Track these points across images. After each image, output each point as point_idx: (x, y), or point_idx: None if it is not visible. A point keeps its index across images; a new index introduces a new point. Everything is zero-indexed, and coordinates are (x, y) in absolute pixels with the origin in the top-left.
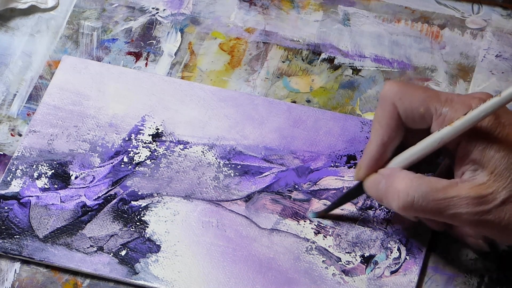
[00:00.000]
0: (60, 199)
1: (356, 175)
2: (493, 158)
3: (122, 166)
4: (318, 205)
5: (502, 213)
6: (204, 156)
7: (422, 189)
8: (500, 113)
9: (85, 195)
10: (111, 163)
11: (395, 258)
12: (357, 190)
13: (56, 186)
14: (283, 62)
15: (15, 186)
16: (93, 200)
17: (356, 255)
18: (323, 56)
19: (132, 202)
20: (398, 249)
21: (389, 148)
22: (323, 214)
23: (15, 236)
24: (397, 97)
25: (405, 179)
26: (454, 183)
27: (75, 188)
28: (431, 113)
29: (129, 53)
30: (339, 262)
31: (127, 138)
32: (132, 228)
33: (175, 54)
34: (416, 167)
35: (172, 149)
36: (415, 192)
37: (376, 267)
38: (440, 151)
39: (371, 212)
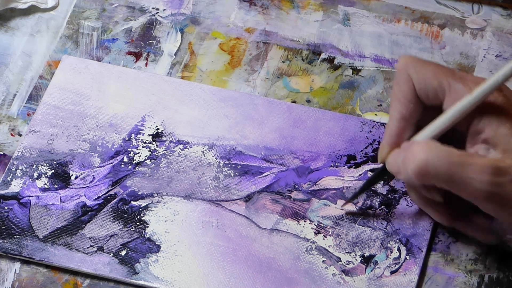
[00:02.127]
0: (60, 199)
1: (380, 156)
2: (506, 136)
3: (122, 166)
4: (317, 205)
5: None
6: (204, 156)
7: (439, 151)
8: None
9: (85, 195)
10: (111, 163)
11: (395, 258)
12: (382, 173)
13: (56, 186)
14: (283, 62)
15: (15, 186)
16: (93, 200)
17: (356, 255)
18: (323, 56)
19: (132, 202)
20: (398, 249)
21: (409, 123)
22: (351, 201)
23: (15, 236)
24: (412, 69)
25: (422, 143)
26: (470, 153)
27: (75, 188)
28: (444, 88)
29: (129, 53)
30: (339, 262)
31: (127, 138)
32: (132, 228)
33: (175, 54)
34: None
35: (172, 149)
36: (431, 152)
37: (376, 267)
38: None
39: (371, 212)
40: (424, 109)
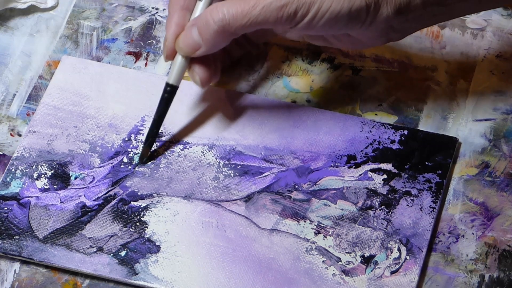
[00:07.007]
0: (60, 200)
1: (166, 50)
2: None
3: (122, 166)
4: (317, 205)
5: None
6: (204, 156)
7: (229, 5)
8: None
9: (84, 196)
10: (111, 163)
11: (395, 258)
12: (170, 93)
13: (55, 186)
14: (283, 62)
15: (15, 187)
16: (93, 200)
17: (356, 255)
18: (323, 56)
19: (131, 202)
20: (398, 249)
21: (188, 10)
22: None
23: (14, 237)
24: None
25: (212, 7)
26: None
27: (74, 188)
28: None
29: (129, 53)
30: (339, 262)
31: (126, 139)
32: (132, 229)
33: None
34: None
35: (172, 149)
36: (224, 9)
37: (376, 267)
38: None
39: (371, 212)
40: None
